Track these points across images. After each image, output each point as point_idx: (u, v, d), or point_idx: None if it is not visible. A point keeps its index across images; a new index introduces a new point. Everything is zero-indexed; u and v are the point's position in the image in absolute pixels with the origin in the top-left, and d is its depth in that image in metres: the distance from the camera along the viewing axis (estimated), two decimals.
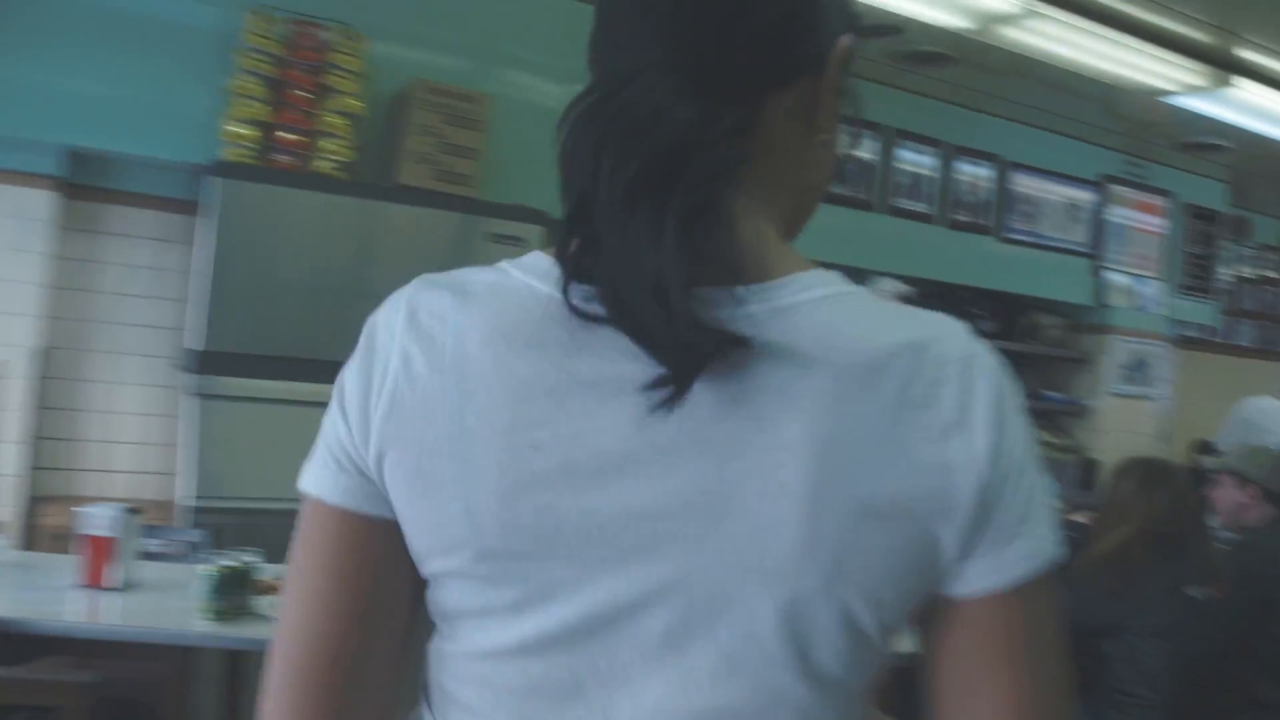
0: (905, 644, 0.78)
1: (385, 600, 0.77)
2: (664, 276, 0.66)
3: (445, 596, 0.76)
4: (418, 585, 0.78)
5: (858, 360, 0.70)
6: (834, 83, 0.79)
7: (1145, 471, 3.15)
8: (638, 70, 0.72)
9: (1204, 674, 2.99)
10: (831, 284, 0.75)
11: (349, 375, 0.77)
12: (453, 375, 0.72)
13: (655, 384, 0.68)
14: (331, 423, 0.77)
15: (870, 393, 0.70)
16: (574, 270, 0.71)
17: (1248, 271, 7.76)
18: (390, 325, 0.76)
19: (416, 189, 3.87)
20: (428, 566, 0.76)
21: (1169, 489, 3.07)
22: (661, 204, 0.67)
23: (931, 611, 0.75)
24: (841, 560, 0.69)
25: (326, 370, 3.36)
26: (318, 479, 0.77)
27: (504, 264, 0.77)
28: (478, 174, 3.98)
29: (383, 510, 0.75)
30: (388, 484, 0.74)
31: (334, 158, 3.76)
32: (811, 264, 0.77)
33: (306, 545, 0.77)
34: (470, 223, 3.90)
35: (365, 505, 0.75)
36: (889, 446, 0.69)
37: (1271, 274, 7.96)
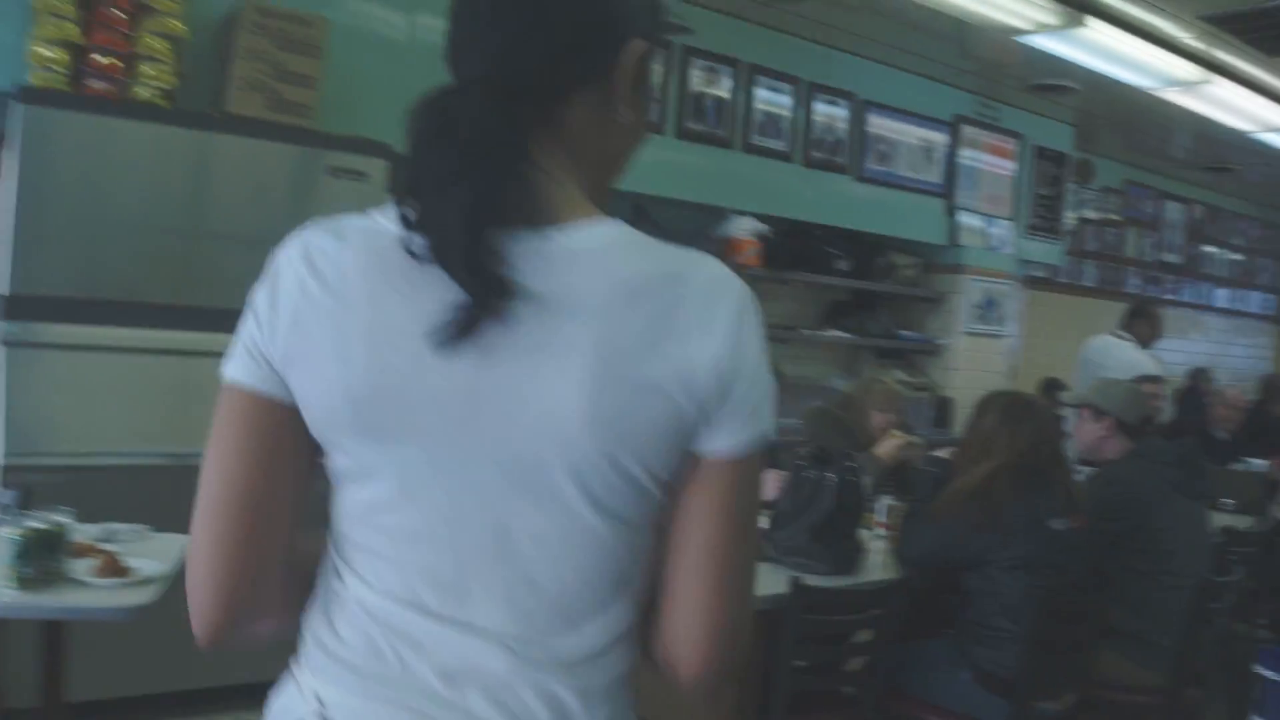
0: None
1: (287, 456, 1.02)
2: (467, 236, 0.92)
3: (332, 460, 1.02)
4: (313, 449, 1.02)
5: (628, 283, 0.95)
6: (628, 79, 1.04)
7: (1007, 406, 3.15)
8: (466, 81, 1.00)
9: (1062, 605, 3.02)
10: (613, 227, 1.00)
11: (260, 296, 1.00)
12: (336, 296, 0.97)
13: (467, 308, 0.93)
14: (248, 330, 1.01)
15: (636, 307, 0.94)
16: (411, 227, 0.95)
17: (1091, 213, 7.98)
18: (290, 259, 1.00)
19: (248, 119, 3.60)
20: (320, 437, 1.01)
21: (1031, 423, 3.09)
22: (469, 186, 0.93)
23: (682, 470, 1.00)
24: (615, 429, 0.94)
25: (154, 315, 3.05)
26: (237, 368, 1.01)
27: (372, 212, 1.01)
28: (315, 104, 3.72)
29: (285, 395, 1.00)
30: (290, 376, 0.99)
31: (155, 84, 3.48)
32: (602, 215, 1.01)
33: (228, 420, 1.01)
34: (309, 155, 3.66)
35: (274, 390, 1.00)
36: (649, 345, 0.94)
37: (1113, 215, 8.21)
